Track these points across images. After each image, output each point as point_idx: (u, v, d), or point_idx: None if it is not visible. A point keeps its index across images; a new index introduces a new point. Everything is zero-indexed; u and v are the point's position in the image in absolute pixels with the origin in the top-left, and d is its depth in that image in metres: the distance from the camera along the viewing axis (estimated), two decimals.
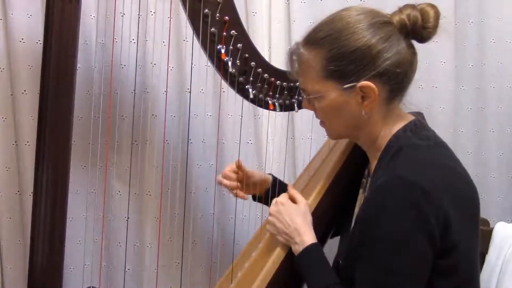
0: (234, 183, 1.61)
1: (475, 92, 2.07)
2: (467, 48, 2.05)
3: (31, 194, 1.40)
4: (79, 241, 1.93)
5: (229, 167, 1.61)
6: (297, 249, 1.28)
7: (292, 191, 1.39)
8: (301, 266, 1.27)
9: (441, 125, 2.02)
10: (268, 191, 1.62)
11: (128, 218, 1.93)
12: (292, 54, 1.24)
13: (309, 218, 1.33)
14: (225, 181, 1.60)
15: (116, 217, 1.95)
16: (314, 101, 1.22)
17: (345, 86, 1.15)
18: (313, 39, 1.19)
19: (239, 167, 1.60)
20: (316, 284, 1.24)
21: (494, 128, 2.07)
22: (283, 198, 1.37)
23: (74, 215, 1.90)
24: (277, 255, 1.34)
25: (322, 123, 1.29)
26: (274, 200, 1.38)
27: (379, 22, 1.15)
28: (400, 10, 1.18)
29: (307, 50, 1.20)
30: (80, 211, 1.90)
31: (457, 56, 2.04)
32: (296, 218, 1.32)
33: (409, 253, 1.08)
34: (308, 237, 1.29)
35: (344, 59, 1.14)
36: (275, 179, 1.65)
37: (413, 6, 1.18)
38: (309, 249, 1.27)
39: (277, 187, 1.61)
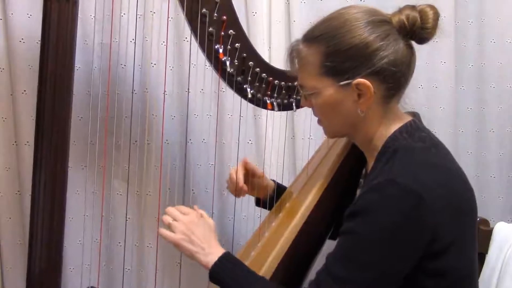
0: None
1: (475, 92, 2.07)
2: (467, 48, 2.05)
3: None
4: (80, 241, 1.93)
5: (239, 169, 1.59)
6: (212, 258, 1.25)
7: (200, 210, 1.37)
8: (223, 271, 1.25)
9: (441, 125, 2.03)
10: (271, 196, 1.62)
11: (128, 218, 1.93)
12: (292, 50, 1.25)
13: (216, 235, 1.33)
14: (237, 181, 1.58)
15: (117, 217, 1.95)
16: (311, 98, 1.23)
17: (341, 83, 1.16)
18: (312, 35, 1.20)
19: (246, 166, 1.60)
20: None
21: (494, 128, 2.07)
22: (192, 212, 1.34)
23: (75, 215, 1.91)
24: (277, 252, 1.35)
25: (320, 121, 1.29)
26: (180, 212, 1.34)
27: (377, 20, 1.16)
28: (400, 10, 1.19)
29: (306, 46, 1.21)
30: (80, 211, 1.90)
31: (457, 56, 2.03)
32: (208, 231, 1.31)
33: (383, 254, 1.08)
34: (219, 248, 1.28)
35: (341, 56, 1.15)
36: (278, 185, 1.66)
37: (412, 7, 1.18)
38: (224, 255, 1.26)
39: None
